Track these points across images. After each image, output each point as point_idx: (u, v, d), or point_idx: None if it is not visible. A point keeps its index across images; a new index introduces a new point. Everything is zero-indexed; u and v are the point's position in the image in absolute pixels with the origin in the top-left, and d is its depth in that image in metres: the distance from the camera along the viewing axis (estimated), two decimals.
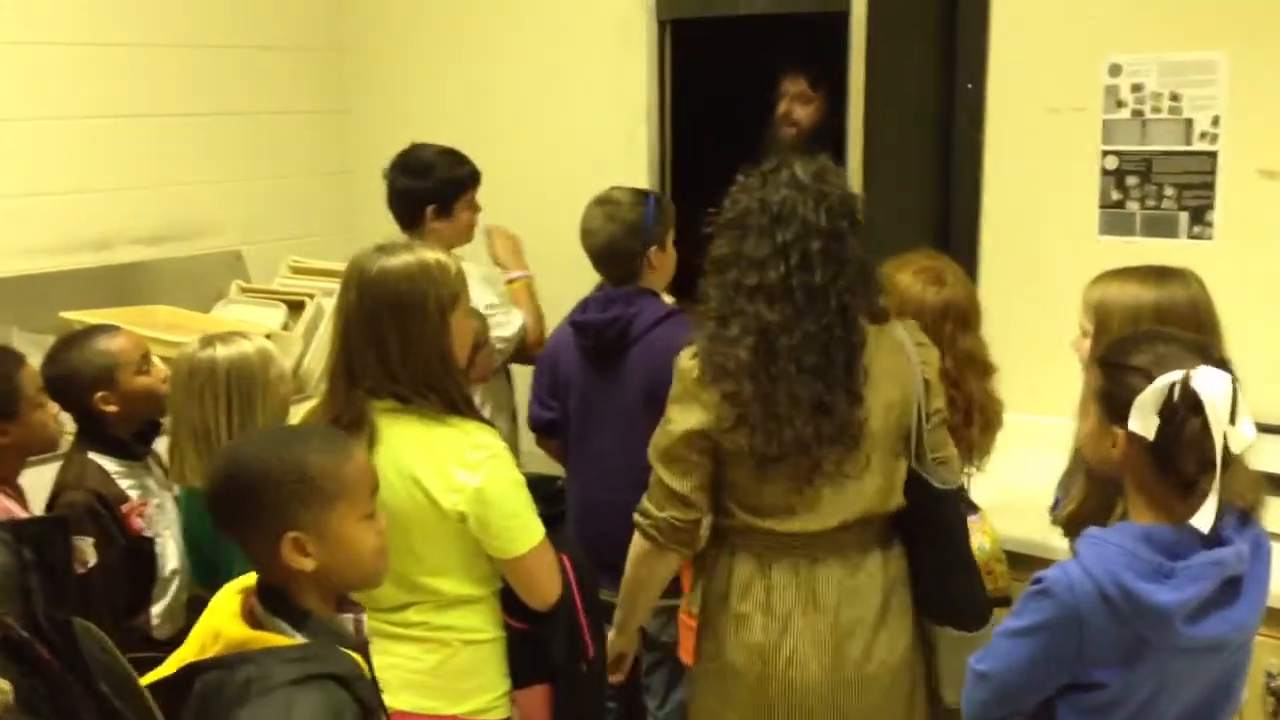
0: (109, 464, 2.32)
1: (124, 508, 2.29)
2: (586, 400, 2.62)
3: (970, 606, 1.91)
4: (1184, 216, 2.66)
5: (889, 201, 2.67)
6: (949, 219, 2.94)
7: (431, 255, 1.90)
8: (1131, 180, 2.71)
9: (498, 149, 3.22)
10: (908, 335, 1.95)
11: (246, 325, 2.80)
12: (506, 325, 2.90)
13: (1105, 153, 2.74)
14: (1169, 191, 2.67)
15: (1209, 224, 2.63)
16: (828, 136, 2.76)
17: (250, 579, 1.49)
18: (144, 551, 2.32)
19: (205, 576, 2.27)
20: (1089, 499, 1.84)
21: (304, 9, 3.87)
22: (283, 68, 3.81)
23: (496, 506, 1.89)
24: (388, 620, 1.94)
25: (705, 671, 2.05)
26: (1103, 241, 2.76)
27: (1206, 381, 1.46)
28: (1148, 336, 1.60)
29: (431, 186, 2.91)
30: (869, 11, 2.58)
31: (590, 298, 2.62)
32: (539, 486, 2.03)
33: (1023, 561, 2.21)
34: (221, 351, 2.19)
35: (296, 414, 2.31)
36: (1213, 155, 2.61)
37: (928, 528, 1.97)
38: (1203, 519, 1.47)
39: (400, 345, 1.86)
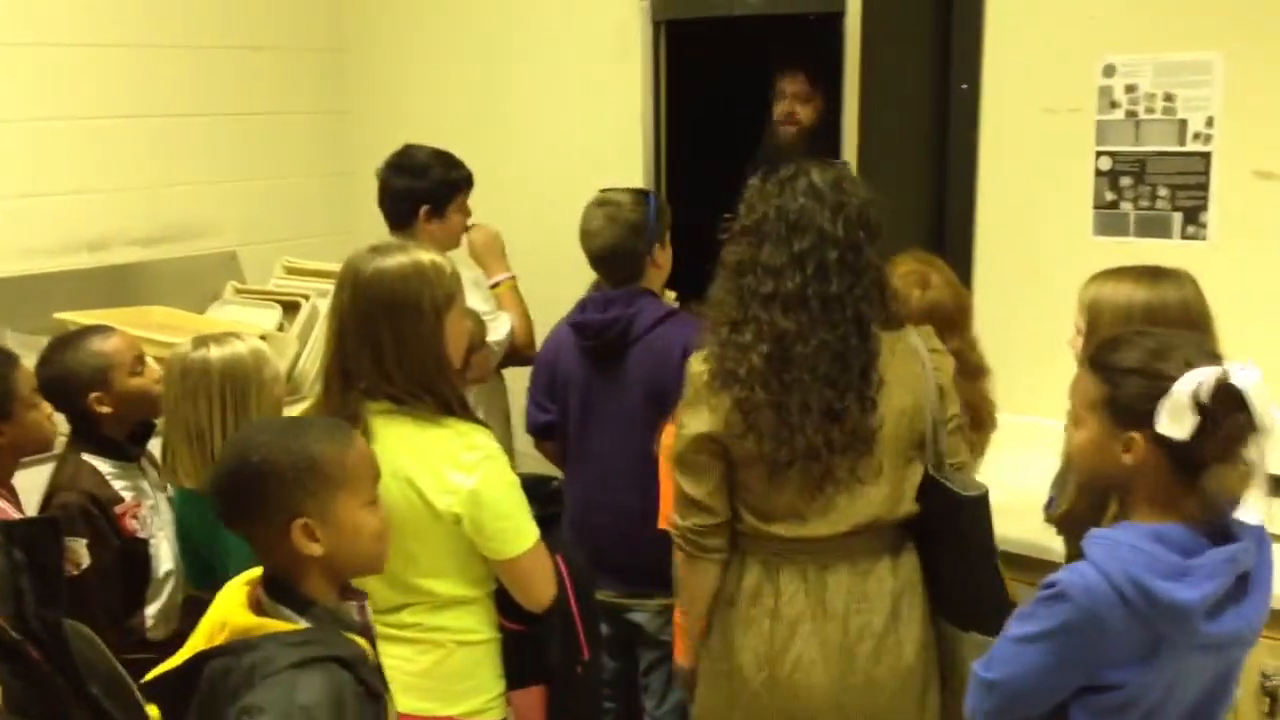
0: (103, 465, 2.32)
1: (118, 509, 2.29)
2: (586, 401, 2.62)
3: (995, 612, 1.89)
4: (1178, 217, 2.66)
5: (884, 202, 2.67)
6: (944, 219, 2.94)
7: (426, 256, 1.90)
8: (1126, 181, 2.72)
9: (495, 149, 3.23)
10: (921, 341, 1.96)
11: (241, 326, 2.79)
12: (496, 329, 2.90)
13: (1099, 153, 2.74)
14: (1163, 192, 2.67)
15: (1203, 225, 2.63)
16: (829, 134, 2.75)
17: (256, 572, 1.51)
18: (138, 553, 2.31)
19: (200, 578, 2.26)
20: (1082, 498, 1.84)
21: (302, 10, 3.87)
22: (280, 69, 3.81)
23: (491, 508, 1.89)
24: (382, 621, 1.94)
25: (712, 673, 2.05)
26: (1097, 242, 2.76)
27: (1245, 376, 1.46)
28: (1140, 336, 1.60)
29: (427, 187, 2.91)
30: (864, 12, 2.58)
31: (589, 298, 2.62)
32: (534, 487, 2.03)
33: (1020, 562, 2.21)
34: (215, 352, 2.19)
35: (290, 415, 2.30)
36: (1207, 156, 2.61)
37: (949, 534, 1.97)
38: (1253, 512, 1.48)
39: (395, 346, 1.86)
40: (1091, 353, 1.62)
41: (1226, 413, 1.46)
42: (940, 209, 2.94)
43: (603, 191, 2.65)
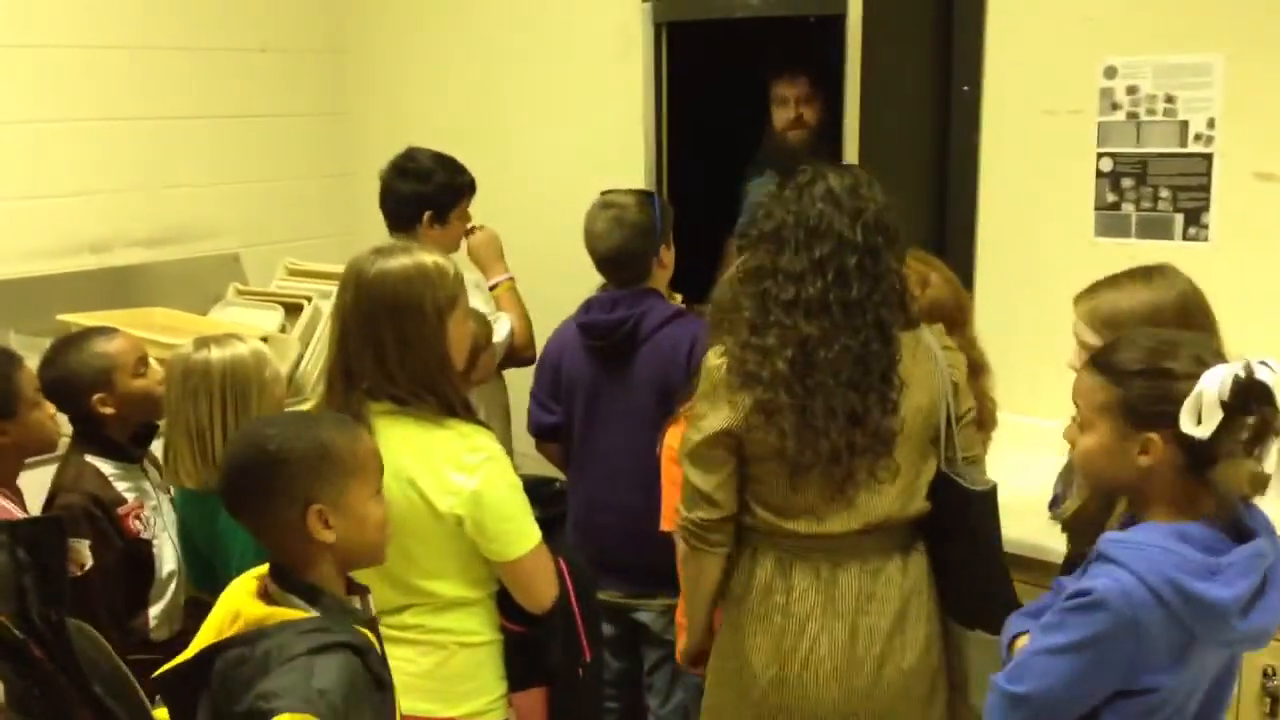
0: (106, 466, 2.32)
1: (121, 510, 2.30)
2: (592, 401, 2.62)
3: (1004, 611, 1.89)
4: (1179, 218, 2.67)
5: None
6: (945, 221, 2.94)
7: (430, 258, 1.91)
8: (1127, 182, 2.72)
9: (495, 151, 3.23)
10: (935, 340, 1.98)
11: (243, 328, 2.80)
12: (495, 330, 2.91)
13: (1100, 155, 2.74)
14: (1164, 193, 2.67)
15: (1204, 226, 2.64)
16: (835, 136, 2.75)
17: (262, 569, 1.53)
18: (141, 554, 2.32)
19: (201, 579, 2.27)
20: (1093, 499, 1.84)
21: (302, 12, 3.88)
22: (281, 70, 3.81)
23: (493, 510, 1.89)
24: (385, 623, 1.93)
25: (721, 670, 2.06)
26: (1099, 243, 2.76)
27: (1267, 371, 1.45)
28: (1142, 337, 1.60)
29: (431, 193, 2.91)
30: (865, 14, 2.58)
31: (594, 299, 2.63)
32: (536, 489, 2.04)
33: (1021, 563, 2.21)
34: (216, 353, 2.20)
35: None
36: (1208, 157, 2.61)
37: (958, 530, 1.97)
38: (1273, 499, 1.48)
39: (398, 347, 1.87)
40: (1096, 357, 1.61)
41: (1256, 407, 1.45)
42: (941, 210, 2.94)
43: (605, 194, 2.66)
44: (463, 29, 3.73)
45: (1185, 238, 2.66)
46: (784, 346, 1.86)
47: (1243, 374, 1.44)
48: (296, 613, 1.45)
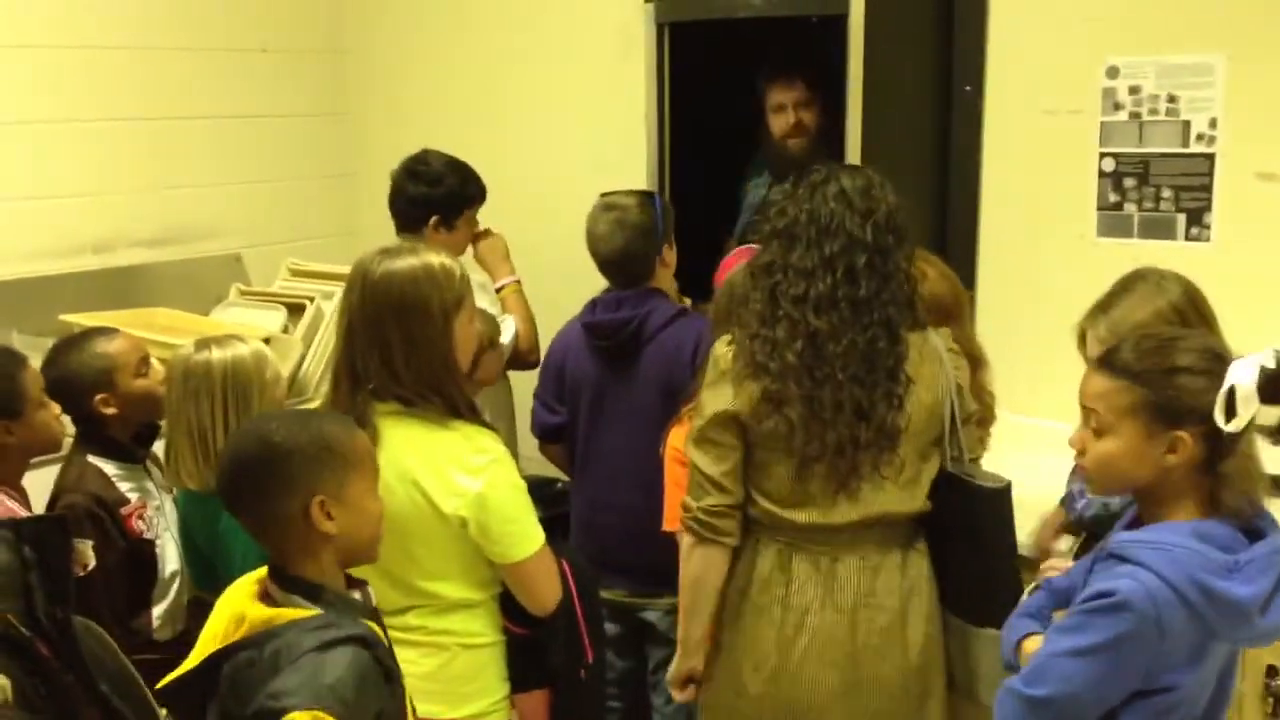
0: (108, 467, 2.33)
1: (123, 510, 2.30)
2: (597, 400, 2.62)
3: (1012, 608, 1.90)
4: (1181, 218, 2.67)
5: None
6: (947, 221, 2.94)
7: (436, 259, 1.91)
8: (1129, 182, 2.72)
9: (497, 151, 3.23)
10: (941, 343, 2.00)
11: (245, 328, 2.80)
12: (502, 332, 2.91)
13: (1103, 155, 2.74)
14: (1166, 193, 2.67)
15: (1206, 226, 2.64)
16: (836, 136, 2.74)
17: (260, 573, 1.53)
18: (144, 554, 2.32)
19: (203, 579, 2.27)
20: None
21: (304, 12, 3.88)
22: (282, 71, 3.82)
23: (497, 512, 1.89)
24: (387, 624, 1.94)
25: (720, 662, 2.07)
26: (1100, 244, 2.76)
27: None
28: (1148, 338, 1.60)
29: (439, 198, 2.92)
30: (867, 14, 2.58)
31: (599, 298, 2.63)
32: (539, 489, 2.04)
33: (1022, 562, 2.20)
34: (217, 354, 2.20)
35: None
36: (1210, 157, 2.61)
37: (965, 529, 1.99)
38: None
39: (403, 347, 1.87)
40: (1109, 360, 1.59)
41: None
42: (943, 210, 2.94)
43: (606, 196, 2.66)
44: (464, 29, 3.73)
45: (1187, 238, 2.66)
46: (793, 339, 1.89)
47: (1272, 364, 1.45)
48: (302, 611, 1.45)
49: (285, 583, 1.49)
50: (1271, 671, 2.07)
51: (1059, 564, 1.86)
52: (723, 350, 1.97)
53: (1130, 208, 2.73)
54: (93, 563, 2.18)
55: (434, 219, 2.91)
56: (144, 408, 2.36)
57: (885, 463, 1.92)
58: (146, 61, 3.44)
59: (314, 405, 2.13)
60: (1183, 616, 1.46)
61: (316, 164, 3.93)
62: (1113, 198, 2.74)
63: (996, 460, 2.29)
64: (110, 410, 2.32)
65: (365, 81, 3.98)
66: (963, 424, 2.00)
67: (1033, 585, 1.81)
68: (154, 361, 2.41)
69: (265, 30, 3.75)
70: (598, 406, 2.62)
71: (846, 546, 1.96)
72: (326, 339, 3.02)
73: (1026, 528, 2.21)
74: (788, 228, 1.93)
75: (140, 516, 2.32)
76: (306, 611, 1.45)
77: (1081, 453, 1.62)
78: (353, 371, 1.90)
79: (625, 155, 3.29)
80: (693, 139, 3.25)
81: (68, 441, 2.35)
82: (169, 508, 2.39)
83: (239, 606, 1.47)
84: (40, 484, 2.31)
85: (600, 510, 2.63)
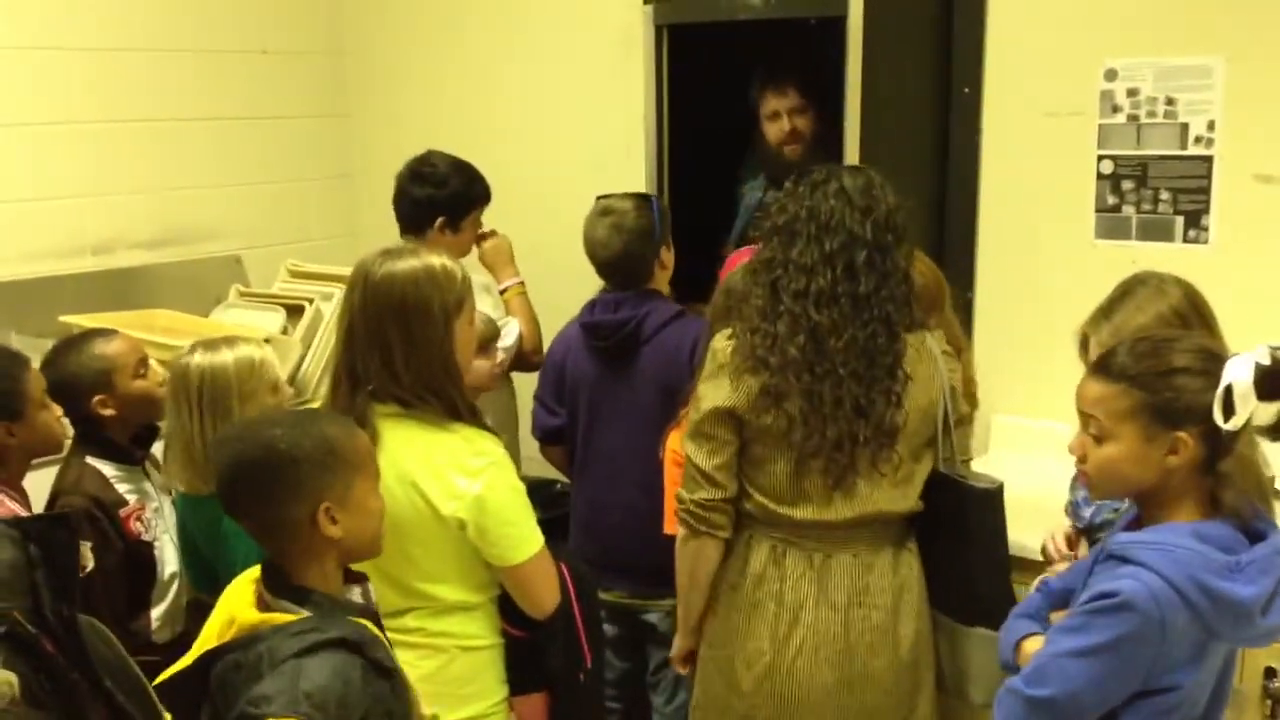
0: (107, 468, 2.33)
1: (122, 512, 2.30)
2: (596, 400, 2.63)
3: (1003, 606, 1.90)
4: (1180, 221, 2.67)
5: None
6: (945, 223, 2.95)
7: (437, 261, 1.91)
8: (1127, 184, 2.72)
9: (497, 153, 3.23)
10: (936, 345, 2.02)
11: (245, 329, 2.80)
12: (504, 335, 2.91)
13: (1101, 157, 2.74)
14: (1165, 196, 2.68)
15: (1204, 228, 2.64)
16: (832, 141, 2.74)
17: (257, 571, 1.53)
18: (143, 555, 2.32)
19: (202, 581, 2.27)
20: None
21: (304, 14, 3.88)
22: (282, 72, 3.81)
23: (496, 514, 1.89)
24: (386, 626, 1.94)
25: (713, 659, 2.08)
26: (1099, 246, 2.76)
27: None
28: (1144, 340, 1.60)
29: (445, 199, 2.92)
30: (866, 16, 2.58)
31: (598, 299, 2.64)
32: (537, 491, 2.04)
33: (1020, 563, 2.21)
34: (198, 359, 2.17)
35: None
36: (1208, 160, 2.62)
37: (957, 528, 1.99)
38: None
39: (404, 349, 1.87)
40: (1105, 365, 1.60)
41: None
42: (942, 212, 2.95)
43: (603, 199, 2.66)
44: (464, 31, 3.73)
45: (1186, 240, 2.66)
46: (795, 334, 1.90)
47: (1266, 361, 1.45)
48: (287, 616, 1.45)
49: (274, 586, 1.49)
50: (1270, 673, 2.07)
51: (1060, 568, 1.87)
52: (722, 344, 1.98)
53: (1129, 210, 2.73)
54: (91, 564, 2.17)
55: (439, 220, 2.91)
56: (142, 409, 2.37)
57: (883, 460, 1.93)
58: (146, 63, 3.44)
59: (315, 406, 2.12)
60: (1185, 617, 1.47)
61: (316, 165, 3.93)
62: (1111, 200, 2.75)
63: (995, 460, 2.30)
64: (108, 412, 2.32)
65: (365, 83, 3.98)
66: (955, 426, 2.01)
67: (1036, 583, 1.81)
68: (153, 363, 2.42)
69: (265, 32, 3.75)
70: (596, 407, 2.63)
71: (840, 543, 1.97)
72: (325, 340, 3.02)
73: (1024, 529, 2.21)
74: (788, 224, 1.95)
75: (139, 518, 2.32)
76: (292, 615, 1.45)
77: (1082, 459, 1.61)
78: (353, 372, 1.90)
79: (624, 157, 3.29)
80: (692, 141, 3.26)
81: (68, 443, 2.36)
82: (168, 509, 2.39)
83: (233, 608, 1.47)
84: (39, 485, 2.31)
85: (600, 511, 2.64)
